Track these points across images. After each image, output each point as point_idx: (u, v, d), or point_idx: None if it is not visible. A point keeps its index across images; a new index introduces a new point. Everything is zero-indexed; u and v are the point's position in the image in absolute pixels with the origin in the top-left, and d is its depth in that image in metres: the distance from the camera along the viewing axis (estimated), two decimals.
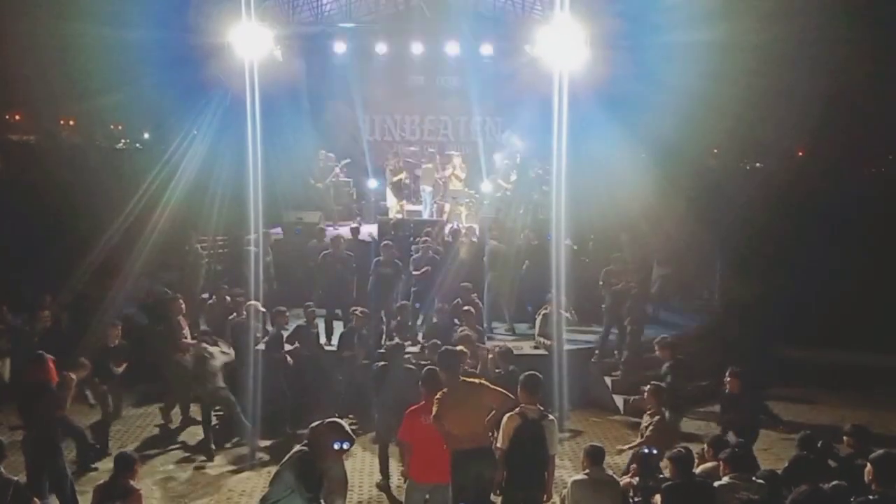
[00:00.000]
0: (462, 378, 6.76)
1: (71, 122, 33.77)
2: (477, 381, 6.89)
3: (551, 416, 6.70)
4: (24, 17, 18.70)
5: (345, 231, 14.53)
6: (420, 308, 12.29)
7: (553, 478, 6.79)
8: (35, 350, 9.13)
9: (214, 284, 13.00)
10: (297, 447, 6.22)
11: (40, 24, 18.29)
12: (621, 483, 6.89)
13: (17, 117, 33.84)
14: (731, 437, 7.93)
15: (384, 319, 12.17)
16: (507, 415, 6.54)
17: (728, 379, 8.88)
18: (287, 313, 11.02)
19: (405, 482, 7.40)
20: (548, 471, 6.62)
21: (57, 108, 27.30)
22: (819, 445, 7.16)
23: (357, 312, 10.94)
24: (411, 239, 13.85)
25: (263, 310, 11.36)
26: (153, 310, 12.16)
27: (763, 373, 12.24)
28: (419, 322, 12.20)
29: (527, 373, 6.83)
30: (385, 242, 12.92)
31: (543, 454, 6.52)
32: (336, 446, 6.28)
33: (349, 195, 18.56)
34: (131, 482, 6.13)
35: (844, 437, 7.20)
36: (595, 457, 6.60)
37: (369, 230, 15.41)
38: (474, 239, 13.80)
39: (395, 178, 17.26)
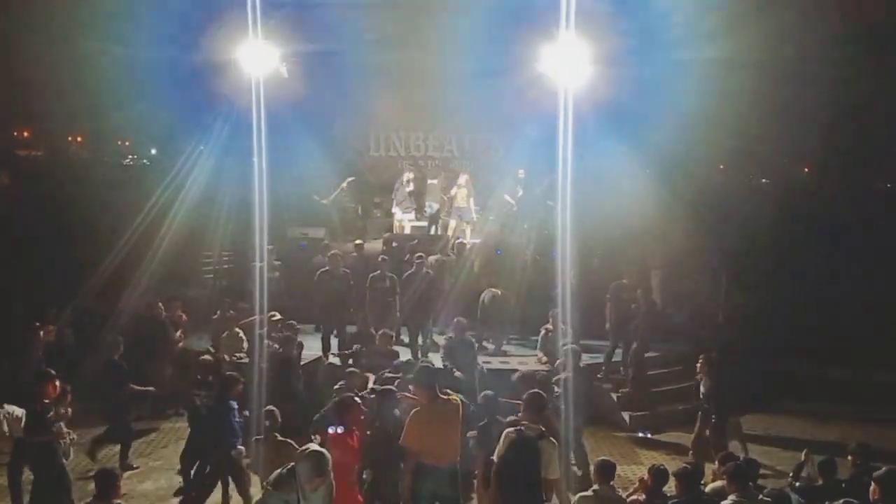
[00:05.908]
0: (439, 395, 6.67)
1: (79, 139, 33.90)
2: (453, 397, 6.78)
3: (552, 439, 6.41)
4: (32, 35, 18.83)
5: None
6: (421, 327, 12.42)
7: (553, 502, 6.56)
8: (38, 365, 9.12)
9: (220, 300, 13.00)
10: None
11: (49, 41, 18.40)
12: (628, 500, 6.82)
13: (26, 133, 33.98)
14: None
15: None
16: (506, 431, 6.44)
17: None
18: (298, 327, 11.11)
19: None
20: (544, 493, 6.30)
21: (65, 124, 27.41)
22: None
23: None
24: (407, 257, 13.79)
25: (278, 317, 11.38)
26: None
27: (767, 388, 12.22)
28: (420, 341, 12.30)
29: (531, 391, 6.69)
30: (381, 258, 13.07)
31: (535, 475, 6.16)
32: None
33: (353, 211, 18.60)
34: (115, 500, 6.10)
35: (849, 455, 7.16)
36: (605, 473, 6.47)
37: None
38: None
39: (410, 189, 17.32)
